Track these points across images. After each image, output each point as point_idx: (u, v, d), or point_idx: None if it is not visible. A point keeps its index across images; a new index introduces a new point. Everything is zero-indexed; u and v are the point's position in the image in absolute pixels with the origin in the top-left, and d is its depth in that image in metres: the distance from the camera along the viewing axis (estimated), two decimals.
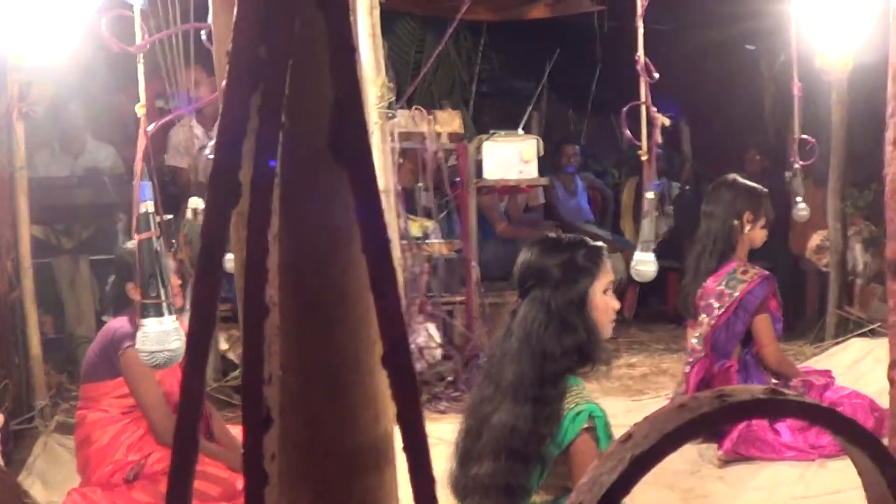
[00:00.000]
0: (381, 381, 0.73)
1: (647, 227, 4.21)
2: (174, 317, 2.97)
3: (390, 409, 0.70)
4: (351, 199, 0.63)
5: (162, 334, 2.90)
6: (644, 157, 4.15)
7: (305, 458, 0.79)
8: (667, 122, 4.11)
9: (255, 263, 0.62)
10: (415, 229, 6.43)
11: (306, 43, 0.65)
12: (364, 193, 0.61)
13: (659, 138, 4.12)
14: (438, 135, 6.48)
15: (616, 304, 2.92)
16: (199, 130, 6.38)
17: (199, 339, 0.65)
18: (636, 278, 4.34)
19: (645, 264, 4.19)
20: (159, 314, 2.91)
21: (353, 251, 0.67)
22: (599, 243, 2.92)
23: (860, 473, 0.82)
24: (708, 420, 0.65)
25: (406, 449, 0.61)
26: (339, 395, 0.80)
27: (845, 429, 0.76)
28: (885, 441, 2.11)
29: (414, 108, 6.48)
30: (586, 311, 2.79)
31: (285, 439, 0.77)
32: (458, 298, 6.60)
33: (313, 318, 0.79)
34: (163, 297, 2.90)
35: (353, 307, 0.77)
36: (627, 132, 4.12)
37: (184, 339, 3.74)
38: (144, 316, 2.91)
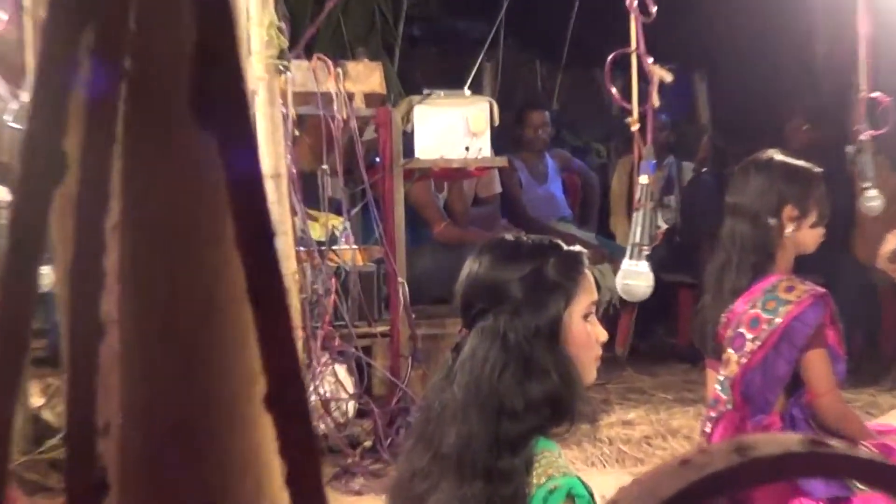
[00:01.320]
0: (265, 435, 0.74)
1: (640, 224, 4.20)
2: None
3: (277, 473, 0.71)
4: (221, 177, 0.63)
5: None
6: (635, 127, 4.16)
7: None
8: (668, 77, 4.13)
9: (86, 265, 0.62)
10: (317, 231, 6.42)
11: None
12: (239, 170, 0.61)
13: (657, 100, 4.13)
14: (350, 96, 6.49)
15: (603, 335, 2.90)
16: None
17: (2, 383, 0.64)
18: (624, 296, 4.34)
19: (636, 277, 4.18)
20: None
21: (225, 250, 0.67)
22: (577, 248, 2.92)
23: None
24: (722, 481, 0.67)
25: None
26: (205, 454, 0.81)
27: None
28: None
29: (316, 57, 6.47)
30: (560, 346, 2.74)
31: None
32: (380, 329, 6.61)
33: (167, 343, 0.79)
34: None
35: (223, 327, 0.77)
36: (614, 91, 4.12)
37: None
38: None
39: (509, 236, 2.96)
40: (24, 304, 0.64)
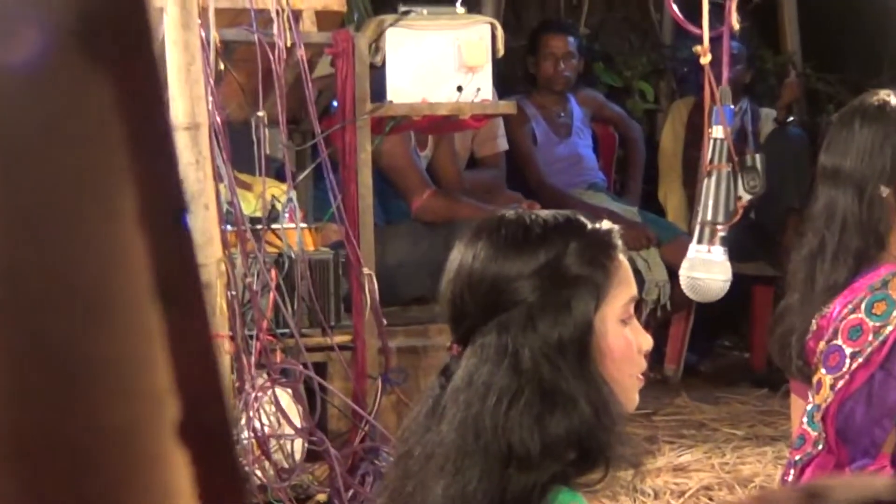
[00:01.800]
0: (176, 473, 0.76)
1: (713, 195, 4.19)
2: None
3: None
4: (115, 131, 0.65)
5: None
6: (706, 59, 4.17)
7: None
8: None
9: None
10: (251, 203, 6.44)
11: None
12: (139, 120, 0.63)
13: (736, 22, 4.14)
14: (297, 14, 6.50)
15: (648, 342, 2.87)
16: None
17: None
18: (693, 296, 4.32)
19: (709, 268, 4.16)
20: None
21: (119, 232, 0.69)
22: (606, 224, 2.92)
23: None
24: None
25: None
26: (94, 500, 0.83)
27: None
28: None
29: None
30: (591, 364, 2.72)
31: None
32: (338, 340, 6.62)
33: (44, 357, 0.81)
34: None
35: (117, 334, 0.79)
36: (674, 6, 4.12)
37: None
38: None
39: (515, 213, 2.92)
40: None
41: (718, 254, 4.07)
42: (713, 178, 4.10)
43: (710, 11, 4.11)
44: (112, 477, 0.82)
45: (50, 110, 0.78)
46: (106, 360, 0.80)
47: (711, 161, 4.10)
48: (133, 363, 0.77)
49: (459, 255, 2.82)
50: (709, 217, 4.08)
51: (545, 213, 2.89)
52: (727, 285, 4.12)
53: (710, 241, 4.08)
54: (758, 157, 8.10)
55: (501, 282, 2.73)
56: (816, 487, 0.71)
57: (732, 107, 4.24)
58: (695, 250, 4.11)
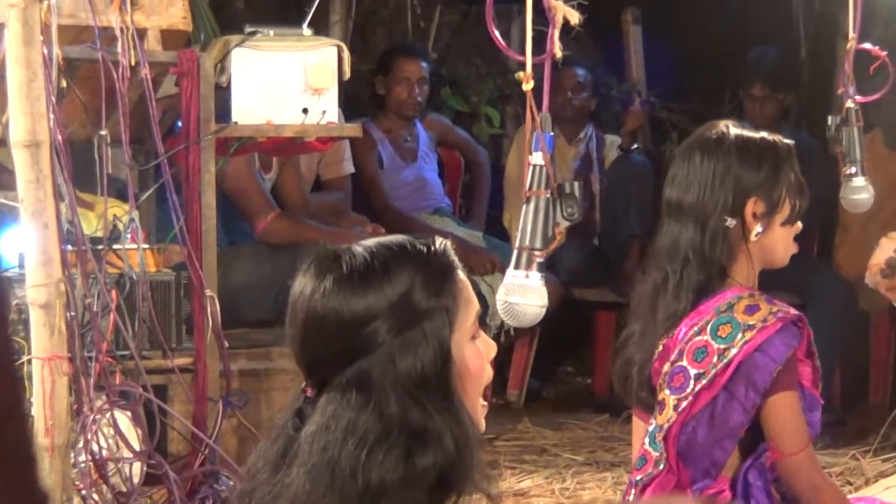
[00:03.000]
0: None
1: (531, 220, 4.17)
2: None
3: None
4: None
5: None
6: (528, 86, 4.17)
7: None
8: (574, 16, 4.14)
9: None
10: (92, 223, 6.39)
11: None
12: None
13: (559, 49, 4.15)
14: (142, 33, 6.47)
15: (493, 348, 2.89)
16: None
17: None
18: (508, 321, 4.30)
19: (524, 293, 4.13)
20: None
21: None
22: (440, 242, 2.85)
23: None
24: None
25: None
26: None
27: None
28: None
29: None
30: (453, 393, 2.72)
31: None
32: (179, 361, 6.59)
33: None
34: None
35: None
36: (497, 35, 4.13)
37: None
38: None
39: (353, 246, 2.84)
40: None
41: (535, 279, 4.06)
42: (531, 205, 4.10)
43: (541, 36, 4.12)
44: None
45: None
46: None
47: (530, 187, 4.10)
48: None
49: (304, 294, 2.75)
50: (526, 243, 4.08)
51: (383, 243, 2.84)
52: (543, 311, 4.11)
53: (528, 267, 4.07)
54: (576, 184, 8.14)
55: (354, 325, 2.68)
56: None
57: (552, 133, 4.22)
58: (512, 275, 4.10)
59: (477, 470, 2.74)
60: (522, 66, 4.22)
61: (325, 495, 2.61)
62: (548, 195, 4.13)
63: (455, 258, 2.84)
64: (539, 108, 4.10)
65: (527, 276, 4.08)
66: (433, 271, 2.76)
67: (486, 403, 2.87)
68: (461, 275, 2.82)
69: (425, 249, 2.79)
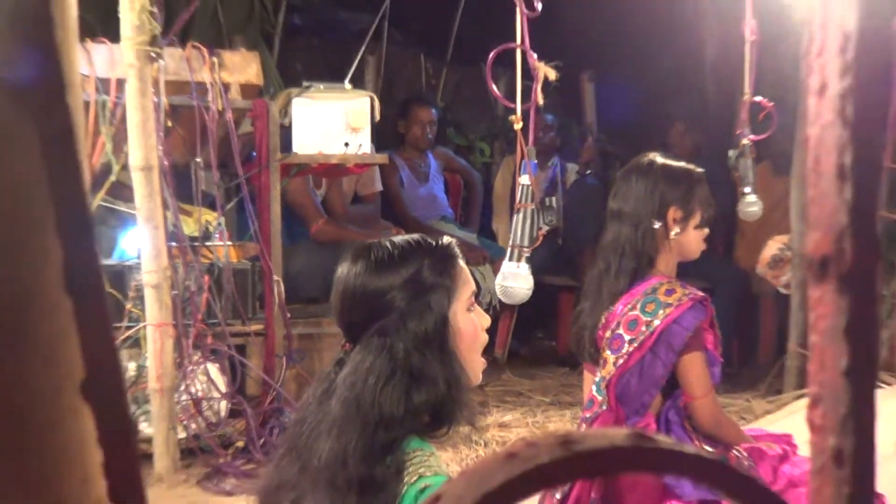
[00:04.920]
0: (86, 422, 0.73)
1: (520, 225, 4.15)
2: None
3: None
4: (43, 166, 0.63)
5: None
6: (518, 126, 4.14)
7: None
8: (552, 74, 4.13)
9: None
10: (190, 226, 6.38)
11: None
12: (55, 146, 0.61)
13: (541, 98, 4.12)
14: (226, 87, 6.45)
15: (487, 320, 2.89)
16: None
17: None
18: (504, 299, 4.28)
19: (514, 279, 4.12)
20: None
21: (46, 240, 0.67)
22: (447, 239, 2.90)
23: None
24: (546, 473, 0.67)
25: None
26: (27, 447, 0.80)
27: (749, 492, 0.79)
28: None
29: (190, 45, 6.42)
30: (449, 349, 2.73)
31: None
32: (254, 327, 6.58)
33: None
34: None
35: (45, 319, 0.76)
36: (493, 87, 4.11)
37: None
38: None
39: (381, 240, 2.91)
40: None
41: (524, 269, 4.05)
42: (521, 214, 4.08)
43: (526, 90, 4.10)
44: (43, 426, 0.79)
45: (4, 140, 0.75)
46: (38, 337, 0.78)
47: (520, 201, 4.09)
48: (56, 340, 0.74)
49: (343, 275, 2.79)
50: (518, 242, 4.06)
51: (403, 238, 2.87)
52: (529, 293, 4.09)
53: (519, 259, 4.06)
54: (554, 199, 8.07)
55: (377, 296, 2.73)
56: (572, 436, 0.69)
57: (536, 162, 4.21)
58: (506, 266, 4.08)
59: (464, 407, 2.74)
60: (507, 113, 4.20)
61: (352, 420, 2.64)
62: (533, 207, 4.11)
63: (458, 251, 2.87)
64: (526, 143, 4.08)
65: (518, 267, 4.06)
66: (437, 259, 2.79)
67: (481, 364, 2.89)
68: (461, 263, 2.84)
69: (433, 243, 2.83)
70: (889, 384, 6.01)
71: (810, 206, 0.78)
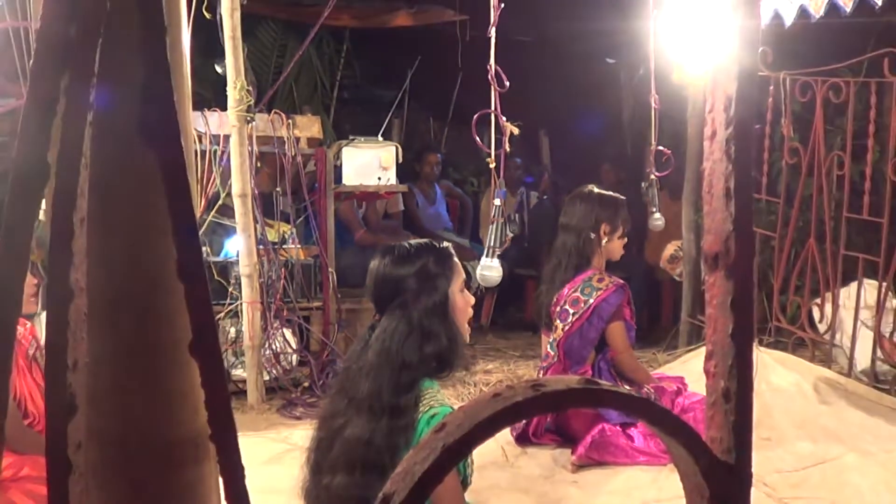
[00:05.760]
0: (195, 373, 0.71)
1: (493, 233, 4.16)
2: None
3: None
4: (163, 184, 0.61)
5: None
6: (492, 165, 4.17)
7: (121, 451, 0.77)
8: (515, 130, 4.12)
9: (59, 245, 0.60)
10: (272, 234, 6.37)
11: (117, 22, 0.63)
12: (171, 178, 0.60)
13: (508, 146, 4.13)
14: (297, 140, 6.44)
15: (472, 300, 2.95)
16: None
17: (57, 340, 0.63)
18: (481, 283, 4.29)
19: (490, 269, 4.13)
20: None
21: (168, 240, 0.65)
22: (445, 244, 2.94)
23: (676, 463, 0.84)
24: (521, 408, 0.66)
25: (214, 437, 0.60)
26: (155, 386, 0.79)
27: (661, 419, 0.78)
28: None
29: (273, 112, 6.41)
30: (449, 317, 2.80)
31: (100, 431, 0.75)
32: (315, 304, 6.56)
33: (126, 306, 0.77)
34: None
35: (168, 297, 0.75)
36: (477, 139, 4.12)
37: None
38: None
39: (404, 243, 2.94)
40: (16, 276, 0.61)
41: (496, 262, 4.04)
42: (494, 226, 4.10)
43: (498, 141, 4.12)
44: (166, 375, 0.78)
45: (133, 176, 0.74)
46: (163, 311, 0.76)
47: (493, 216, 4.10)
48: (177, 313, 0.73)
49: (375, 266, 2.86)
50: (491, 244, 4.07)
51: (416, 241, 2.94)
52: (500, 278, 4.09)
53: (492, 256, 4.06)
54: (517, 216, 8.02)
55: (398, 280, 2.80)
56: (540, 381, 0.68)
57: (505, 189, 4.24)
58: (484, 260, 4.08)
59: (460, 357, 2.83)
60: (489, 157, 4.21)
61: (383, 366, 2.72)
62: (502, 220, 4.12)
63: (453, 251, 2.94)
64: (498, 176, 4.10)
65: (492, 261, 4.06)
66: (439, 256, 2.86)
67: (469, 328, 2.95)
68: (456, 260, 2.92)
69: (436, 246, 2.91)
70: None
71: (705, 217, 0.78)
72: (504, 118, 4.05)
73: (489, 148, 4.16)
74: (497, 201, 4.10)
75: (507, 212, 4.35)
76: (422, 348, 2.73)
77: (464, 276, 2.93)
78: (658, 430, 0.77)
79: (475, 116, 4.11)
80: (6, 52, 3.99)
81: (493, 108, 4.05)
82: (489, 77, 3.99)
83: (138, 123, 0.59)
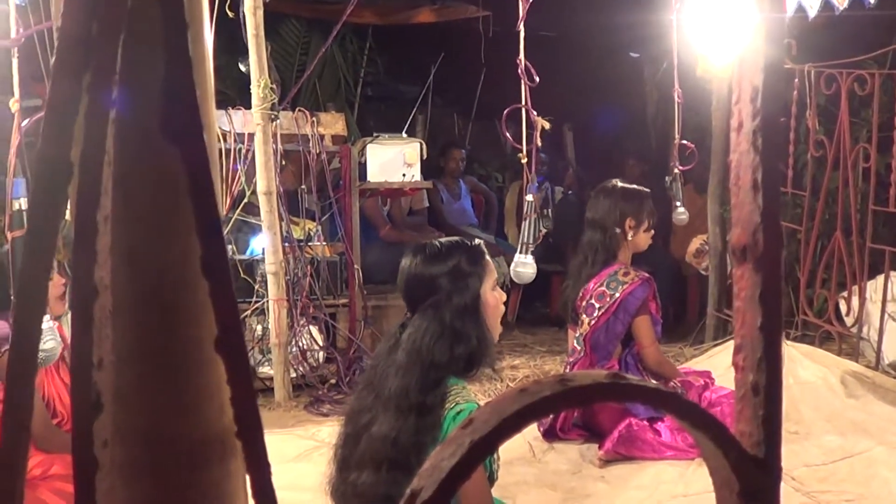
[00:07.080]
0: (220, 369, 0.71)
1: (527, 229, 4.16)
2: (48, 316, 2.88)
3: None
4: (187, 182, 0.61)
5: None
6: (524, 160, 4.15)
7: (146, 449, 0.77)
8: (546, 125, 4.11)
9: (83, 243, 0.60)
10: (297, 231, 6.38)
11: (139, 19, 0.63)
12: (195, 175, 0.60)
13: (539, 141, 4.12)
14: (322, 137, 6.45)
15: (503, 296, 2.94)
16: None
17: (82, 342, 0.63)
18: (515, 280, 4.26)
19: (524, 266, 4.13)
20: None
21: (192, 240, 0.65)
22: (477, 242, 2.93)
23: (705, 458, 0.83)
24: (548, 403, 0.66)
25: (240, 435, 0.59)
26: (180, 384, 0.79)
27: (689, 413, 0.77)
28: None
29: (298, 109, 6.43)
30: (480, 317, 2.79)
31: (125, 429, 0.75)
32: (341, 301, 6.57)
33: (151, 304, 0.77)
34: None
35: (193, 294, 0.75)
36: (508, 135, 4.11)
37: (58, 338, 3.64)
38: None
39: (429, 242, 2.93)
40: (41, 273, 0.62)
41: (530, 259, 4.05)
42: (527, 222, 4.09)
43: (533, 135, 4.10)
44: (191, 372, 0.78)
45: (156, 174, 0.74)
46: (188, 307, 0.76)
47: (526, 213, 4.10)
48: (202, 310, 0.73)
49: (407, 265, 2.85)
50: (525, 240, 4.06)
51: (448, 239, 2.93)
52: (534, 274, 4.09)
53: (526, 252, 4.06)
54: (549, 212, 8.02)
55: (430, 280, 2.78)
56: (567, 376, 0.68)
57: (537, 185, 4.21)
58: (518, 257, 4.08)
59: (489, 356, 2.82)
60: (514, 153, 4.22)
61: (412, 365, 2.70)
62: (536, 216, 4.13)
63: (485, 249, 2.94)
64: (530, 172, 4.10)
65: (526, 257, 4.07)
66: (472, 254, 2.84)
67: (500, 327, 2.97)
68: (488, 258, 2.92)
69: (469, 244, 2.89)
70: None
71: (732, 210, 0.77)
72: (535, 113, 4.04)
73: (518, 143, 4.15)
74: (529, 197, 4.09)
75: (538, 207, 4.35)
76: (452, 349, 2.72)
77: (496, 274, 2.93)
78: (686, 424, 0.77)
79: (505, 112, 4.10)
80: (32, 53, 4.01)
81: (522, 102, 4.04)
82: (518, 72, 3.98)
83: (160, 120, 0.59)
